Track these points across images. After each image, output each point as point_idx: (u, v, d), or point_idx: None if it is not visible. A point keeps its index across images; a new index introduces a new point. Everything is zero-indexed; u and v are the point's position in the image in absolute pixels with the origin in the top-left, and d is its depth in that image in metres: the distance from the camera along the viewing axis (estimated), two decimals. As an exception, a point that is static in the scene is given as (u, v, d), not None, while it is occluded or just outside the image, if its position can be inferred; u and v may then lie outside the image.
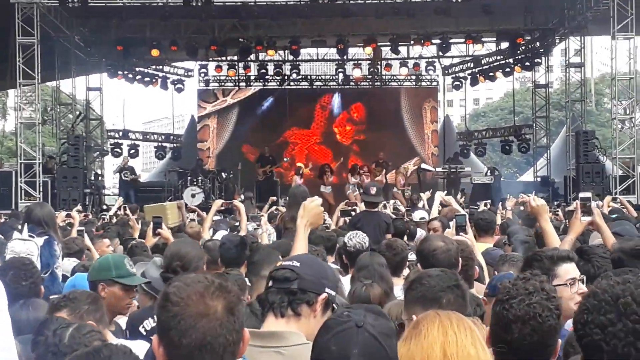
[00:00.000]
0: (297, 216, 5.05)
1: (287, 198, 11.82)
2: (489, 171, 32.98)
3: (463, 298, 4.22)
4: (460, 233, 7.70)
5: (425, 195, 19.26)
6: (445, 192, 12.02)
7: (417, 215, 14.26)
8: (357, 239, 7.90)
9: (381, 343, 2.89)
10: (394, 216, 14.28)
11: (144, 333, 5.67)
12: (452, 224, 8.12)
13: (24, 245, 7.91)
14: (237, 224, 12.70)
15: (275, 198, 19.16)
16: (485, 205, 17.92)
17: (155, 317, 5.18)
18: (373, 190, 11.67)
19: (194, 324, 2.65)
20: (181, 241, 6.98)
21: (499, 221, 12.30)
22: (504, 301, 3.47)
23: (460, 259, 5.65)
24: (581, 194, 6.73)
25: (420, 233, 11.39)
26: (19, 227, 9.04)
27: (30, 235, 8.07)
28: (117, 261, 6.12)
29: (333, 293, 3.71)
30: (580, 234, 6.76)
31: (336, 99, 38.07)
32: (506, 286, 3.56)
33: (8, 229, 10.93)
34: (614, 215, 11.57)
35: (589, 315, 2.64)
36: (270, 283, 3.70)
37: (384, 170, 30.86)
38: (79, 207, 18.38)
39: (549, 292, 3.51)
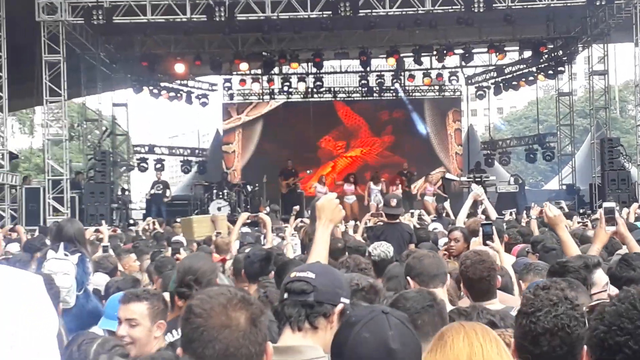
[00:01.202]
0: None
1: (310, 211, 11.80)
2: (512, 179, 32.91)
3: (440, 316, 4.19)
4: (487, 242, 7.76)
5: (447, 204, 19.39)
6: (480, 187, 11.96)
7: (431, 227, 14.39)
8: (381, 248, 7.96)
9: (408, 327, 2.95)
10: (418, 226, 14.38)
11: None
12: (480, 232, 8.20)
13: (61, 265, 7.97)
14: (262, 236, 12.77)
15: (298, 207, 19.21)
16: (511, 214, 17.96)
17: (172, 332, 5.29)
18: (393, 202, 11.68)
19: (216, 336, 2.70)
20: (193, 256, 7.04)
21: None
22: (530, 314, 3.41)
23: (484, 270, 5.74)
24: (605, 204, 6.75)
25: (443, 241, 11.42)
26: (48, 243, 9.08)
27: (64, 254, 8.13)
28: None
29: (348, 302, 3.66)
30: (605, 244, 6.79)
31: (360, 111, 38.13)
32: (529, 297, 3.51)
33: (36, 245, 11.01)
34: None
35: None
36: (286, 295, 3.59)
37: (408, 180, 30.84)
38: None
39: (572, 300, 3.46)
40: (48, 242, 10.53)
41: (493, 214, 11.59)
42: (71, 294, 7.72)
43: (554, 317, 3.38)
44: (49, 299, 2.80)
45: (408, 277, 5.83)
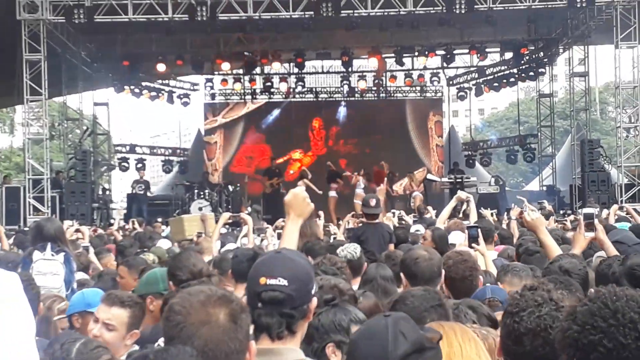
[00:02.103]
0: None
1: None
2: (493, 180, 33.02)
3: (446, 317, 4.14)
4: (473, 245, 7.84)
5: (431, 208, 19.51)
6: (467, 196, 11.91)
7: (413, 228, 14.43)
8: (347, 249, 8.03)
9: (389, 333, 2.81)
10: (397, 226, 14.41)
11: None
12: (465, 235, 8.28)
13: (49, 265, 7.87)
14: (243, 236, 12.73)
15: (282, 220, 19.23)
16: (492, 215, 17.99)
17: None
18: (373, 202, 11.67)
19: (195, 332, 2.70)
20: (191, 253, 6.98)
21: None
22: (514, 314, 3.40)
23: (444, 269, 5.77)
24: (585, 211, 6.78)
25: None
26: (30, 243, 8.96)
27: (51, 254, 8.01)
28: (165, 275, 6.18)
29: (316, 288, 3.59)
30: (584, 249, 6.83)
31: (342, 111, 38.16)
32: (515, 297, 3.50)
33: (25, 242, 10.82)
34: (619, 224, 11.58)
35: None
36: (259, 304, 3.40)
37: (390, 181, 30.89)
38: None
39: (557, 301, 3.45)
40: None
41: (474, 218, 11.61)
42: (61, 294, 7.64)
43: (537, 317, 3.37)
44: (26, 298, 2.77)
45: (402, 274, 5.86)
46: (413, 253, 5.88)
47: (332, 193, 29.57)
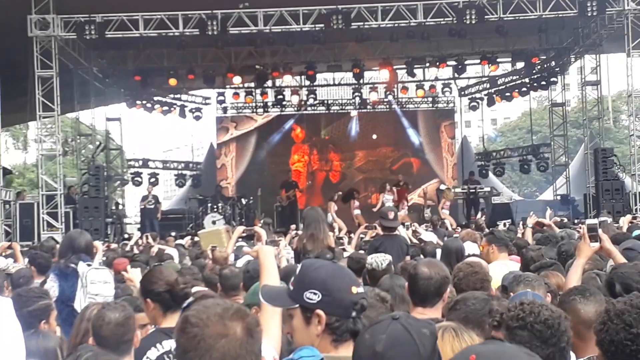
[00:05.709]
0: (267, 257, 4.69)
1: (303, 220, 11.87)
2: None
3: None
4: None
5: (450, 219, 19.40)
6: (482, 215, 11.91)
7: (426, 236, 14.39)
8: (376, 258, 8.04)
9: (412, 336, 2.88)
10: (414, 240, 14.38)
11: None
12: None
13: (100, 274, 7.79)
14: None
15: (294, 226, 19.19)
16: (505, 225, 17.91)
17: (156, 346, 5.25)
18: (391, 215, 11.68)
19: (213, 344, 2.65)
20: (161, 267, 6.85)
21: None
22: (530, 320, 3.54)
23: (448, 288, 5.65)
24: (587, 222, 6.66)
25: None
26: (59, 256, 8.88)
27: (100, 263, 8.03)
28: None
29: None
30: (589, 258, 6.69)
31: (354, 123, 38.06)
32: (516, 312, 3.60)
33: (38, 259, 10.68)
34: (635, 233, 11.48)
35: None
36: (354, 313, 3.50)
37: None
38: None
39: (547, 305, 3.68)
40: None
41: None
42: None
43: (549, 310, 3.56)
44: (17, 322, 2.77)
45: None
46: (416, 268, 5.59)
47: (357, 211, 29.21)
